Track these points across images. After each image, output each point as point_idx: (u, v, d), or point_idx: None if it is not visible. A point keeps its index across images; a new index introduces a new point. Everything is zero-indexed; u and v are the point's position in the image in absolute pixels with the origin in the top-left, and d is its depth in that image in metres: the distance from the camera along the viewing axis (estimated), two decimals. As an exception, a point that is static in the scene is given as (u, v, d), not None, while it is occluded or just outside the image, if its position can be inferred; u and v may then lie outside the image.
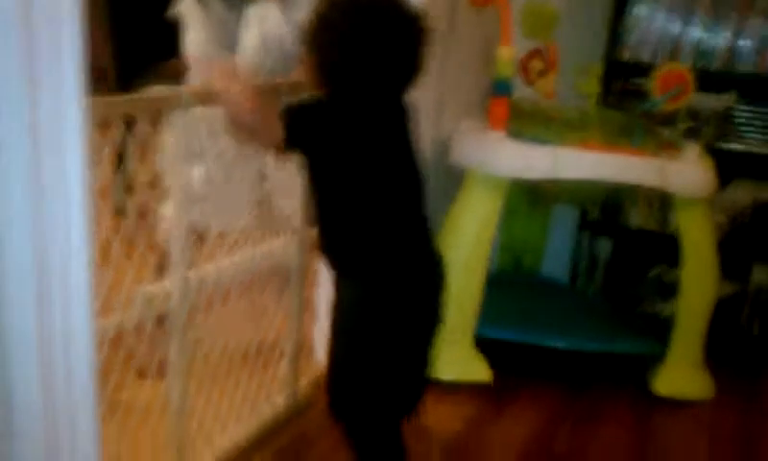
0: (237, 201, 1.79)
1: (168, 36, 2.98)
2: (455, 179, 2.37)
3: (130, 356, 1.49)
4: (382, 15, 1.44)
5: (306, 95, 1.55)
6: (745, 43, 2.71)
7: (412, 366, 1.60)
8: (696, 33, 2.76)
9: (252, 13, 2.47)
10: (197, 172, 2.15)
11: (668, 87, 2.32)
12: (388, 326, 1.53)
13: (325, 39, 1.45)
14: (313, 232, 2.07)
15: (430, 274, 1.57)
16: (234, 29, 2.48)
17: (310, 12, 1.48)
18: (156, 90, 1.40)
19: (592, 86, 2.31)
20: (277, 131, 1.43)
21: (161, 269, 1.62)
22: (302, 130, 1.45)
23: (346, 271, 1.57)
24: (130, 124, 1.38)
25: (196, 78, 2.26)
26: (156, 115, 1.42)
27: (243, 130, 1.47)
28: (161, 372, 1.61)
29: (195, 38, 2.43)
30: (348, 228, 1.53)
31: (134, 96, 1.35)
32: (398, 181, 1.53)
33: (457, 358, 2.32)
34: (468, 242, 2.26)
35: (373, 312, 1.53)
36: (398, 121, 1.53)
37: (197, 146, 1.84)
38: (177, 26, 2.96)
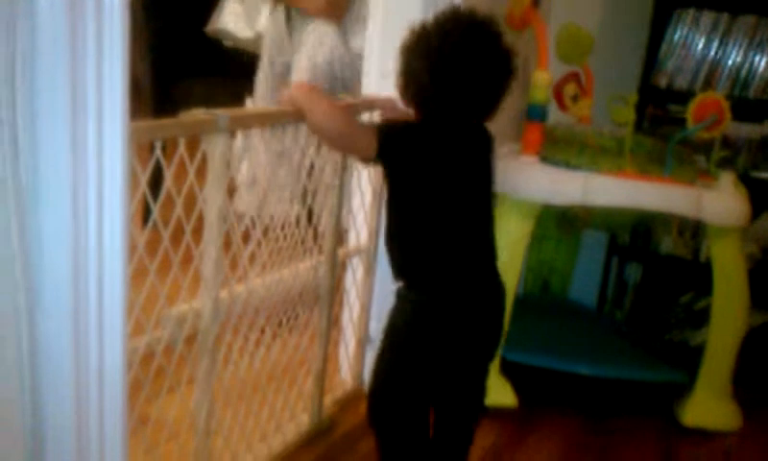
0: (282, 193, 1.82)
1: (205, 51, 3.02)
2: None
3: (160, 372, 1.50)
4: (478, 42, 1.49)
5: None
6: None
7: (455, 387, 1.65)
8: (733, 60, 2.73)
9: (309, 35, 2.51)
10: (244, 166, 2.19)
11: (704, 116, 2.30)
12: (434, 342, 1.57)
13: (420, 63, 1.50)
14: (342, 253, 2.09)
15: (486, 300, 1.60)
16: (289, 48, 2.53)
17: (407, 32, 1.53)
18: (194, 114, 1.42)
19: (628, 115, 2.30)
20: (372, 141, 1.51)
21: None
22: (394, 145, 1.53)
23: (407, 283, 1.60)
24: (167, 145, 1.40)
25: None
26: (195, 138, 1.43)
27: (337, 138, 1.59)
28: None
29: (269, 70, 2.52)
30: (415, 244, 1.58)
31: (174, 120, 1.36)
32: (471, 207, 1.58)
33: (483, 382, 2.32)
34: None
35: (424, 327, 1.57)
36: (480, 147, 1.61)
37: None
38: (216, 41, 3.00)
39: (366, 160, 1.61)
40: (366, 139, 1.53)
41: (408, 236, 1.58)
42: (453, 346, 1.58)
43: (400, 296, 1.62)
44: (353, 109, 1.84)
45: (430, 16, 1.55)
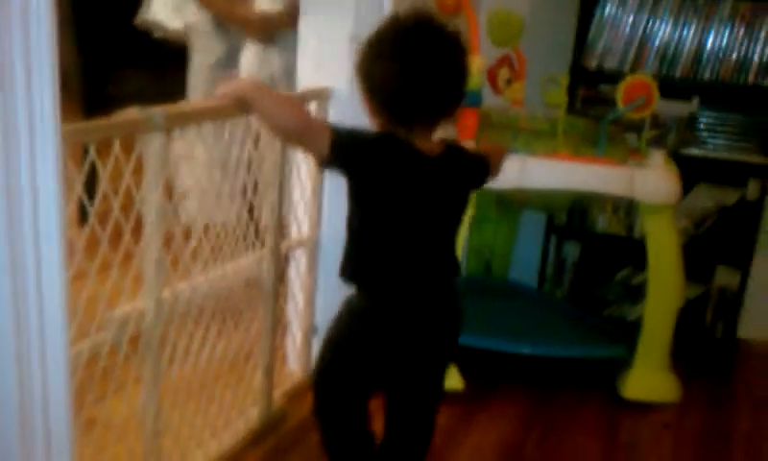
0: (223, 198, 1.81)
1: (135, 43, 2.97)
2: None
3: (105, 374, 1.49)
4: (442, 44, 1.49)
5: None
6: (707, 50, 2.77)
7: (399, 386, 1.68)
8: (660, 39, 2.80)
9: (244, 55, 2.50)
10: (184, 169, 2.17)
11: (633, 98, 2.36)
12: (371, 343, 1.59)
13: (376, 68, 1.48)
14: (285, 246, 2.09)
15: (432, 310, 1.61)
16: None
17: (362, 43, 1.51)
18: (129, 113, 1.40)
19: (560, 97, 2.35)
20: (324, 138, 1.47)
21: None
22: (349, 151, 1.50)
23: (354, 282, 1.61)
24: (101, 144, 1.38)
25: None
26: (130, 138, 1.42)
27: (293, 129, 1.53)
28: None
29: (203, 62, 2.49)
30: (365, 246, 1.58)
31: (108, 121, 1.35)
32: (428, 223, 1.58)
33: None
34: None
35: (362, 327, 1.59)
36: (454, 172, 1.60)
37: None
38: (146, 33, 2.95)
39: (320, 158, 1.54)
40: (321, 134, 1.49)
41: (362, 239, 1.58)
42: (390, 348, 1.60)
43: (348, 297, 1.63)
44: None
45: (373, 25, 1.54)
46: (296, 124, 1.52)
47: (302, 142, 1.58)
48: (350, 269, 1.60)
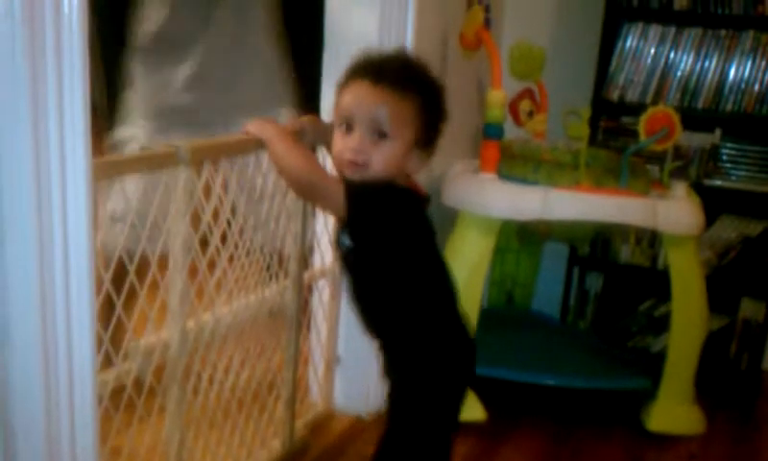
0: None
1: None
2: (447, 219, 2.40)
3: (130, 404, 1.51)
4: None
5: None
6: (729, 82, 2.77)
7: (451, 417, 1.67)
8: (682, 71, 2.81)
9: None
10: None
11: (655, 129, 2.36)
12: (438, 407, 1.60)
13: (436, 109, 1.53)
14: (308, 276, 2.11)
15: (469, 356, 1.63)
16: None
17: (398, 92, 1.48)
18: (155, 148, 1.43)
19: (582, 129, 2.36)
20: (337, 190, 1.45)
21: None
22: (370, 209, 1.48)
23: (393, 348, 1.61)
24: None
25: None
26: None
27: (297, 180, 1.53)
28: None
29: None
30: (393, 310, 1.57)
31: (137, 155, 1.38)
32: (435, 267, 1.60)
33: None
34: (460, 282, 2.25)
35: (427, 397, 1.58)
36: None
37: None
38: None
39: (338, 212, 1.53)
40: (334, 188, 1.47)
41: (391, 307, 1.58)
42: (449, 400, 1.63)
43: (395, 368, 1.62)
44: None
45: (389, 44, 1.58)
46: (305, 174, 1.49)
47: (315, 195, 1.56)
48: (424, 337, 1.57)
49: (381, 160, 1.47)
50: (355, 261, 1.58)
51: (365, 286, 1.60)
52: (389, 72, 1.48)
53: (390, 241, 1.52)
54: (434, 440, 1.62)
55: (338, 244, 1.60)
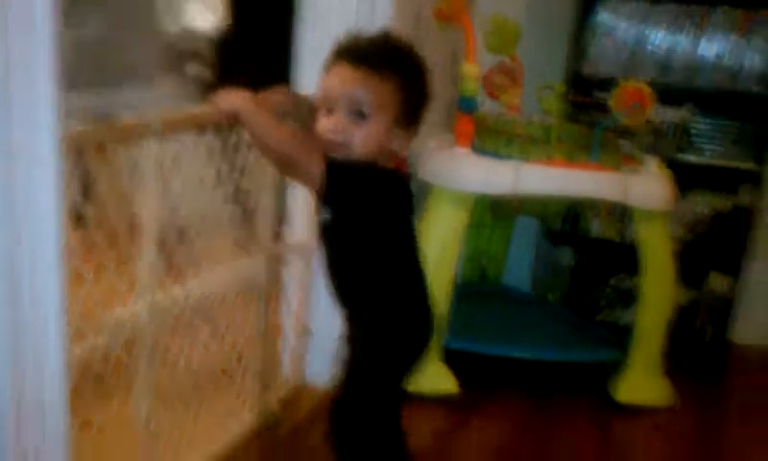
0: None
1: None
2: (421, 193, 2.40)
3: (100, 378, 1.49)
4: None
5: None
6: (702, 58, 2.78)
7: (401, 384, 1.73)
8: (655, 47, 2.82)
9: None
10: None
11: (628, 104, 2.37)
12: (394, 361, 1.65)
13: (419, 87, 1.53)
14: (280, 249, 2.10)
15: (427, 320, 1.67)
16: None
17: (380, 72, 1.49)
18: (126, 119, 1.41)
19: (557, 104, 2.36)
20: (316, 164, 1.46)
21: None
22: (347, 187, 1.50)
23: (361, 318, 1.65)
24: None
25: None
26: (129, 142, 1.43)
27: (275, 152, 1.53)
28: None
29: None
30: (367, 282, 1.61)
31: (105, 126, 1.36)
32: (409, 244, 1.63)
33: (424, 370, 2.34)
34: (434, 256, 2.28)
35: (385, 351, 1.64)
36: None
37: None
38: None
39: (315, 185, 1.52)
40: (312, 170, 1.48)
41: (359, 276, 1.62)
42: (404, 357, 1.68)
43: (357, 325, 1.67)
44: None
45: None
46: (286, 147, 1.50)
47: (294, 169, 1.56)
48: (376, 308, 1.63)
49: (361, 141, 1.49)
50: (332, 235, 1.60)
51: (340, 259, 1.63)
52: (369, 54, 1.50)
53: (364, 218, 1.55)
54: (385, 404, 1.70)
55: (317, 217, 1.62)
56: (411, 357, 1.68)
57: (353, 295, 1.65)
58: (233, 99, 1.58)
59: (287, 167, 1.61)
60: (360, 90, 1.48)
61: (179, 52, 3.36)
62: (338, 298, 1.66)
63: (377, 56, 1.50)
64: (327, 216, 1.58)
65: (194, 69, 3.39)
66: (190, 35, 3.24)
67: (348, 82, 1.49)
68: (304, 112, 1.70)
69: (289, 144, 1.51)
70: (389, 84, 1.48)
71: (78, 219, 1.80)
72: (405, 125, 1.53)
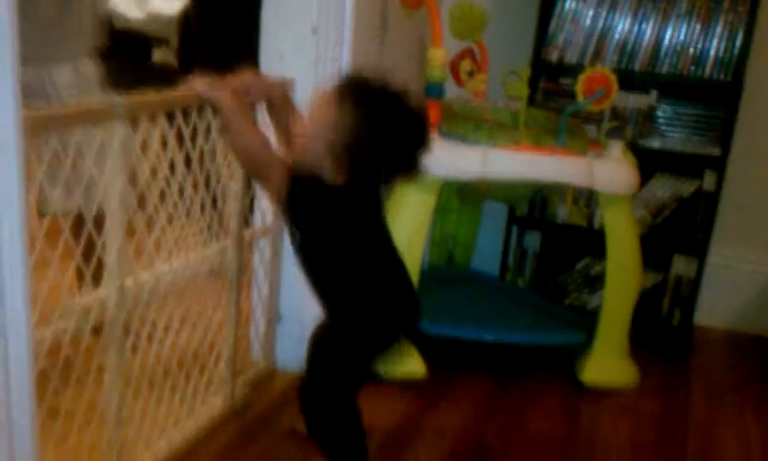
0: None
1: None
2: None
3: (68, 363, 1.49)
4: (410, 116, 1.61)
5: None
6: (665, 44, 2.82)
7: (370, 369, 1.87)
8: (620, 33, 2.85)
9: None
10: None
11: (592, 90, 2.40)
12: (363, 352, 1.77)
13: (365, 131, 1.55)
14: (249, 235, 2.10)
15: (410, 313, 1.80)
16: None
17: (341, 97, 1.56)
18: (90, 102, 1.41)
19: (521, 90, 2.38)
20: (279, 174, 1.59)
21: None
22: (307, 205, 1.62)
23: (337, 313, 1.75)
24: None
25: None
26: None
27: (247, 154, 1.64)
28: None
29: None
30: (342, 287, 1.71)
31: (70, 110, 1.35)
32: (376, 246, 1.73)
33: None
34: (401, 241, 2.26)
35: (357, 344, 1.74)
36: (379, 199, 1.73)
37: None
38: (107, 23, 2.91)
39: (278, 196, 1.65)
40: (276, 178, 1.61)
41: (333, 281, 1.71)
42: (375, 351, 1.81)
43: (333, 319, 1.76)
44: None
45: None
46: (254, 148, 1.61)
47: (260, 174, 1.68)
48: (352, 307, 1.72)
49: (299, 143, 1.62)
50: (305, 253, 1.70)
51: (315, 269, 1.72)
52: (350, 84, 1.59)
53: (320, 230, 1.66)
54: (350, 387, 1.78)
55: (291, 238, 1.73)
56: (384, 347, 1.78)
57: (329, 295, 1.74)
58: (211, 88, 1.62)
59: (255, 172, 1.72)
60: (317, 100, 1.59)
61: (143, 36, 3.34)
62: (315, 294, 1.75)
63: (351, 85, 1.58)
64: (298, 239, 1.67)
65: (159, 54, 3.36)
66: (155, 19, 3.21)
67: (317, 94, 1.61)
68: (272, 96, 1.75)
69: (258, 147, 1.61)
70: (344, 109, 1.55)
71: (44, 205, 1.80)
72: (345, 160, 1.56)
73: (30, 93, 2.14)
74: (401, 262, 1.76)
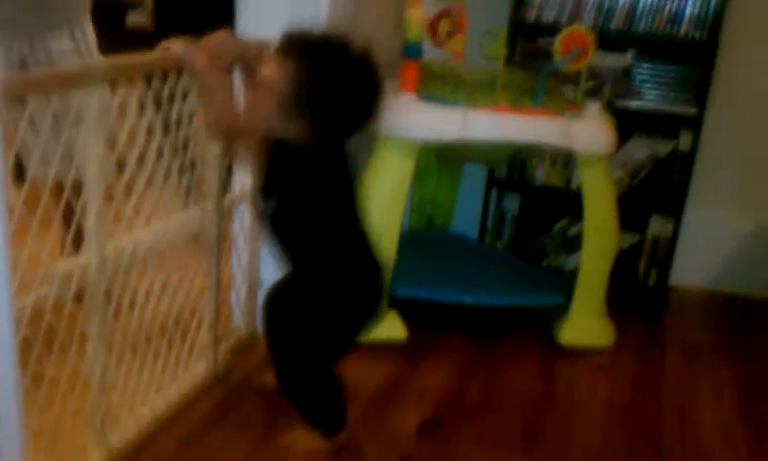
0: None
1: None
2: (367, 140, 2.40)
3: (50, 330, 1.48)
4: (354, 63, 1.61)
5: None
6: (642, 3, 2.82)
7: (345, 335, 1.85)
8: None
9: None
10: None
11: (570, 49, 2.40)
12: (334, 313, 1.78)
13: (311, 85, 1.57)
14: (229, 200, 2.09)
15: (370, 279, 1.79)
16: None
17: (283, 55, 1.57)
18: (67, 66, 1.38)
19: (499, 50, 2.37)
20: (251, 141, 1.62)
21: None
22: (282, 169, 1.62)
23: (302, 271, 1.76)
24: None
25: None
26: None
27: (220, 119, 1.67)
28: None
29: None
30: (309, 245, 1.72)
31: (46, 73, 1.33)
32: (347, 209, 1.74)
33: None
34: (381, 205, 2.30)
35: (327, 304, 1.77)
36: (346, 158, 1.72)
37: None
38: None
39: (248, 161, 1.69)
40: (249, 144, 1.65)
41: (302, 240, 1.72)
42: (344, 310, 1.81)
43: (299, 277, 1.77)
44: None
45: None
46: (229, 114, 1.65)
47: (231, 136, 1.72)
48: (317, 264, 1.74)
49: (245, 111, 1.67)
50: (276, 220, 1.70)
51: (284, 236, 1.73)
52: (290, 42, 1.61)
53: (294, 192, 1.66)
54: (318, 342, 1.80)
55: (258, 207, 1.74)
56: (351, 307, 1.79)
57: (296, 255, 1.75)
58: (187, 50, 1.62)
59: (225, 132, 1.73)
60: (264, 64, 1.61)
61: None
62: (280, 254, 1.76)
63: (293, 44, 1.59)
64: (273, 202, 1.67)
65: (133, 18, 3.31)
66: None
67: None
68: (247, 58, 1.74)
69: (230, 111, 1.65)
70: (287, 64, 1.56)
71: (19, 174, 1.77)
72: (294, 110, 1.57)
73: (25, 66, 2.10)
74: (365, 228, 1.78)
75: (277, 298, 1.85)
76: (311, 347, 1.78)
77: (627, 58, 2.86)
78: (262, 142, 1.61)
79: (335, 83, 1.58)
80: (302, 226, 1.69)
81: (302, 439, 1.86)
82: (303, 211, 1.68)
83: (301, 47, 1.58)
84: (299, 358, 1.80)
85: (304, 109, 1.57)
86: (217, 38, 1.72)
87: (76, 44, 2.17)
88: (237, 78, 1.85)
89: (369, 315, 1.81)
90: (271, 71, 1.60)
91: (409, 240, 2.72)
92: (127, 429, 1.79)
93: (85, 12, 2.25)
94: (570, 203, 2.86)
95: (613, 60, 2.86)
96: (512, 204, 3.10)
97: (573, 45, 2.41)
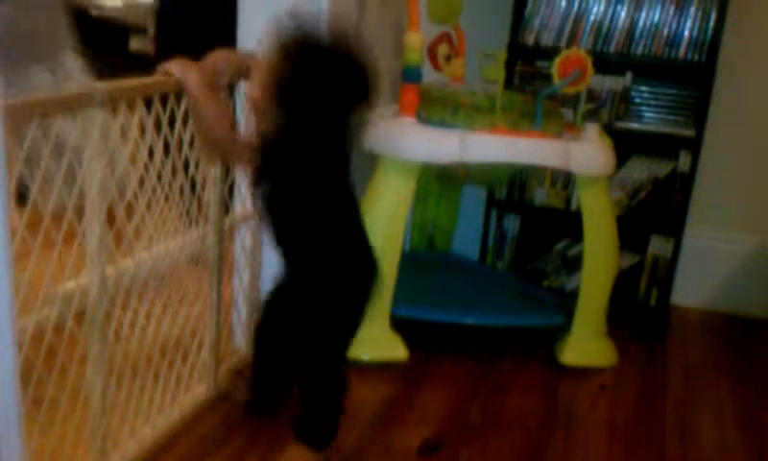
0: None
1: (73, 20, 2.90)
2: (368, 163, 2.42)
3: (51, 352, 1.49)
4: (339, 51, 1.63)
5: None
6: (640, 26, 2.84)
7: (345, 329, 1.85)
8: (595, 16, 2.87)
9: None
10: None
11: (568, 72, 2.42)
12: (330, 307, 1.80)
13: (299, 76, 1.59)
14: (230, 221, 2.11)
15: (365, 271, 1.81)
16: None
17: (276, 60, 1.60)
18: (70, 88, 1.40)
19: (498, 73, 2.39)
20: (243, 156, 1.70)
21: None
22: (276, 162, 1.65)
23: (299, 269, 1.79)
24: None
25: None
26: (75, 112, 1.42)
27: (214, 140, 1.72)
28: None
29: None
30: (305, 241, 1.76)
31: (49, 96, 1.35)
32: (342, 202, 1.77)
33: (374, 338, 2.39)
34: (382, 225, 2.32)
35: (323, 298, 1.79)
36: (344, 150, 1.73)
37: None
38: (83, 11, 2.89)
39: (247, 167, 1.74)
40: (242, 160, 1.73)
41: (297, 235, 1.76)
42: (341, 302, 1.83)
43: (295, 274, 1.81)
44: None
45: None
46: (219, 130, 1.68)
47: (225, 156, 1.81)
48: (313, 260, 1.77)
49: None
50: (271, 200, 1.73)
51: (280, 217, 1.75)
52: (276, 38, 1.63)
53: (291, 192, 1.69)
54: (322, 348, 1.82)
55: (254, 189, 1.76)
56: (345, 308, 1.81)
57: (292, 251, 1.78)
58: (183, 69, 1.64)
59: (216, 148, 1.79)
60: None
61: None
62: (278, 249, 1.79)
63: (276, 39, 1.61)
64: (268, 186, 1.70)
65: (137, 43, 3.34)
66: (132, 8, 3.19)
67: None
68: (247, 74, 1.79)
69: (221, 127, 1.68)
70: (274, 63, 1.60)
71: (21, 196, 1.79)
72: (293, 112, 1.60)
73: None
74: (362, 221, 1.82)
75: (277, 297, 1.89)
76: (316, 335, 1.80)
77: (625, 80, 2.89)
78: (257, 151, 1.66)
79: (311, 68, 1.59)
80: (295, 207, 1.72)
81: (296, 456, 1.86)
82: (296, 193, 1.70)
83: (286, 43, 1.61)
84: (308, 349, 1.81)
85: (296, 102, 1.60)
86: (215, 57, 1.76)
87: (55, 77, 2.21)
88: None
89: (365, 292, 1.82)
90: (252, 89, 1.67)
91: (410, 261, 2.74)
92: (127, 450, 1.79)
93: (64, 46, 2.28)
94: (570, 223, 2.87)
95: (612, 83, 2.88)
96: (512, 224, 3.11)
97: (572, 68, 2.43)
